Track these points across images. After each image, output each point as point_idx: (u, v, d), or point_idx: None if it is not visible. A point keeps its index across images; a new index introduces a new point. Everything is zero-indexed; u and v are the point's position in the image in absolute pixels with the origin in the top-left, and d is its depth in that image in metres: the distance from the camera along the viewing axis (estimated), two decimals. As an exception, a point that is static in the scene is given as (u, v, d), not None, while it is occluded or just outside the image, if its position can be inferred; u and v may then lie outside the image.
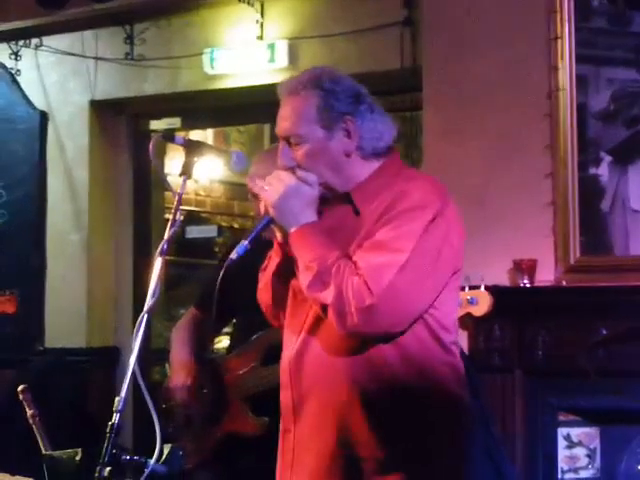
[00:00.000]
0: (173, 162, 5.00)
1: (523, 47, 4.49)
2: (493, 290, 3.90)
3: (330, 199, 2.35)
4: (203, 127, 6.72)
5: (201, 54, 5.56)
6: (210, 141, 7.06)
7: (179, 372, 3.40)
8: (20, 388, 3.32)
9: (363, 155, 2.33)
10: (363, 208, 2.30)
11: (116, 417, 2.16)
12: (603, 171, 4.37)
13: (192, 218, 7.26)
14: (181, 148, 2.38)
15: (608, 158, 4.37)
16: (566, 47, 4.38)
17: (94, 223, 6.03)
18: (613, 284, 4.23)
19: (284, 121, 2.33)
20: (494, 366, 4.36)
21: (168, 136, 2.40)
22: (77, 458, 2.64)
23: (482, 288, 3.86)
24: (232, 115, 6.18)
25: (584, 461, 4.35)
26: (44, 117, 6.01)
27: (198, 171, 6.14)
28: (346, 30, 5.15)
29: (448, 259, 2.24)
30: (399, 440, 2.23)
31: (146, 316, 2.22)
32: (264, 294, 2.48)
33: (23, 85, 6.04)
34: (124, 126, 6.19)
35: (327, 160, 2.30)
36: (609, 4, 4.38)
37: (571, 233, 4.35)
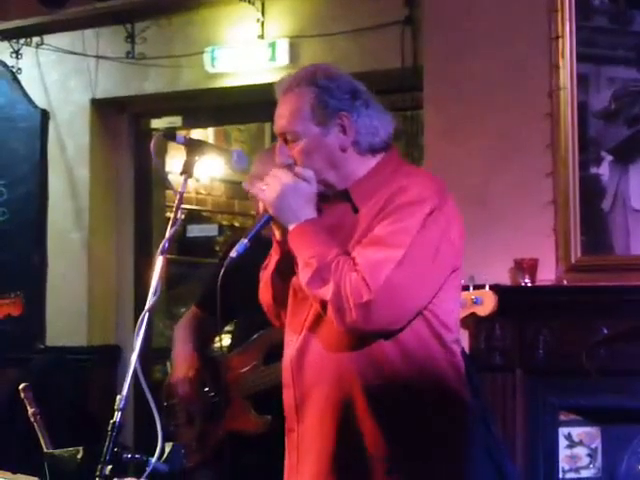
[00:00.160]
0: (174, 161, 4.99)
1: (524, 46, 4.48)
2: (494, 289, 3.90)
3: (329, 197, 2.35)
4: (204, 126, 6.73)
5: (202, 53, 5.56)
6: (211, 140, 7.07)
7: (181, 366, 3.41)
8: (21, 387, 3.31)
9: (359, 151, 2.33)
10: (362, 205, 2.30)
11: (117, 415, 2.16)
12: (604, 170, 4.37)
13: (193, 217, 7.26)
14: (182, 147, 2.39)
15: (609, 157, 4.37)
16: (567, 46, 4.37)
17: (95, 222, 6.02)
18: (614, 283, 4.23)
19: (280, 119, 2.35)
20: (495, 365, 4.36)
21: (169, 135, 2.39)
22: (78, 456, 2.63)
23: (487, 288, 3.85)
24: (233, 114, 6.18)
25: (585, 461, 4.35)
26: (45, 115, 6.00)
27: (199, 170, 6.05)
28: (347, 29, 5.15)
29: (447, 255, 2.23)
30: (400, 437, 2.23)
31: (147, 315, 2.22)
32: (265, 293, 2.48)
33: (24, 83, 6.03)
34: (125, 125, 6.18)
35: (323, 156, 2.31)
36: (610, 3, 4.38)
37: (572, 232, 4.34)
